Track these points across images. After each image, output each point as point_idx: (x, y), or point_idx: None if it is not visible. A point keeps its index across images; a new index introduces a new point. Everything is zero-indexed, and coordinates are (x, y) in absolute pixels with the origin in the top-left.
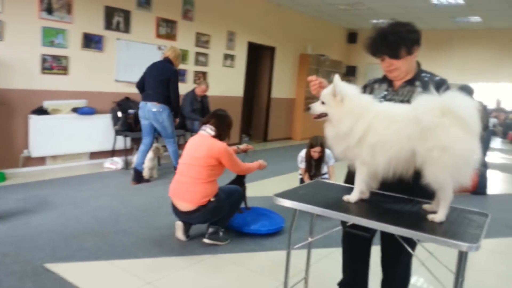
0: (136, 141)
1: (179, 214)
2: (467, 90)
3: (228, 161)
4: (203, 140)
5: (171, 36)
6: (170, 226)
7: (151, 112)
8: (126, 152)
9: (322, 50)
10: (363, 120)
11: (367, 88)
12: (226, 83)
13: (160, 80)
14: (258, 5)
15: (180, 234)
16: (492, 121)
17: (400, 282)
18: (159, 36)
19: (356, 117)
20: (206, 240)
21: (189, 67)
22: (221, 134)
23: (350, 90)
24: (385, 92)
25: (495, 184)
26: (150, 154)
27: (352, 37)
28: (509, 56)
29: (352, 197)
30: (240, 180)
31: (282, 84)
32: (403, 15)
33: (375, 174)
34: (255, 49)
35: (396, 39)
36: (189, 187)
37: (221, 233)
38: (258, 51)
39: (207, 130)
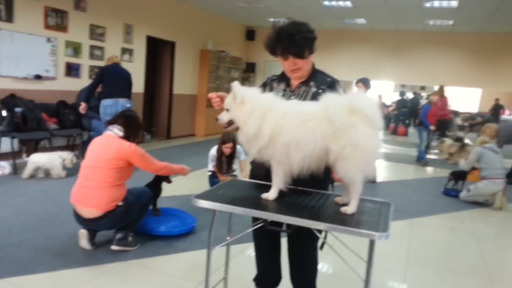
0: (25, 143)
1: (82, 221)
2: (367, 81)
3: (140, 161)
4: (110, 141)
5: (61, 28)
6: (72, 235)
7: (125, 107)
8: (13, 155)
9: (222, 46)
10: (269, 119)
11: (267, 87)
12: None
13: (127, 80)
14: None
15: (84, 242)
16: None
17: (309, 270)
18: (47, 27)
19: (260, 116)
20: (114, 247)
21: (84, 61)
22: (130, 135)
23: (249, 91)
24: (283, 92)
25: (382, 172)
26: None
27: (250, 34)
28: (389, 56)
29: (271, 195)
30: (157, 184)
31: (184, 80)
32: (297, 15)
33: (290, 172)
34: (154, 44)
35: (302, 39)
36: (94, 191)
37: (130, 238)
38: (158, 45)
39: (115, 131)
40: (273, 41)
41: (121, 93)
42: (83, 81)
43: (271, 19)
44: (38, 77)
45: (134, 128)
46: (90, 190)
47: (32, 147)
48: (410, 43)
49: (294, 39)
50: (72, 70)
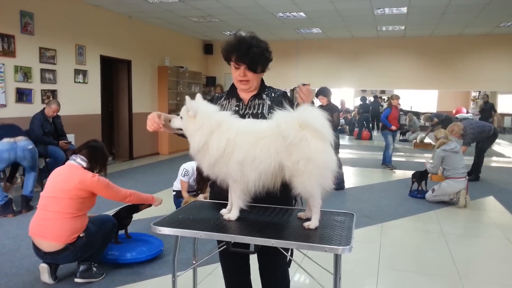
0: None
1: (43, 255)
2: (326, 91)
3: (105, 191)
4: (73, 171)
5: (8, 53)
6: (33, 270)
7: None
8: None
9: (180, 62)
10: (219, 136)
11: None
12: (80, 100)
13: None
14: (108, 17)
15: (46, 277)
16: (341, 121)
17: (281, 286)
18: None
19: (207, 133)
20: (78, 280)
21: (35, 86)
22: (94, 166)
23: (204, 106)
24: (236, 108)
25: (349, 178)
26: None
27: (208, 48)
28: (346, 63)
29: (232, 215)
30: (129, 213)
31: (143, 98)
32: (253, 27)
33: (247, 190)
34: (109, 63)
35: (259, 54)
36: (54, 223)
37: (94, 269)
38: (113, 65)
39: (78, 160)
40: (231, 46)
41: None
42: (36, 106)
43: (228, 32)
44: None
45: (100, 159)
46: (49, 221)
47: None
48: (365, 49)
49: (251, 50)
50: (23, 95)
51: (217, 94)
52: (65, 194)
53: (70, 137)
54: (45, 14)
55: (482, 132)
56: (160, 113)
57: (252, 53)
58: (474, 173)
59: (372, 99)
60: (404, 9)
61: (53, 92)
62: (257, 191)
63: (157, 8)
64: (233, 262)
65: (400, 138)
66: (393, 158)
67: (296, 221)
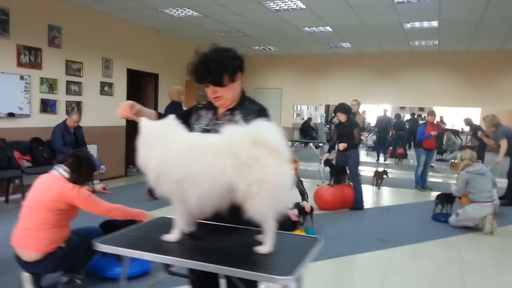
0: None
1: (23, 264)
2: (344, 108)
3: (85, 205)
4: (53, 182)
5: (35, 65)
6: (17, 280)
7: None
8: None
9: None
10: (156, 151)
11: (194, 114)
12: (105, 112)
13: None
14: (135, 31)
15: (28, 287)
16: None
17: None
18: (20, 65)
19: (147, 148)
20: None
21: (60, 97)
22: (77, 178)
23: (148, 124)
24: (209, 121)
25: (371, 197)
26: None
27: None
28: (378, 79)
29: (172, 236)
30: (126, 224)
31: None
32: (280, 42)
33: (188, 211)
34: (136, 76)
35: (218, 67)
36: (33, 233)
37: (78, 281)
38: (140, 78)
39: (60, 171)
40: (192, 68)
41: None
42: (60, 117)
43: (256, 47)
44: (11, 115)
45: (83, 171)
46: (29, 231)
47: (5, 185)
48: (398, 64)
49: (208, 67)
50: (47, 106)
51: (200, 104)
52: (43, 205)
53: (92, 148)
54: (72, 28)
55: None
56: (134, 104)
57: (210, 69)
58: (508, 197)
59: (408, 116)
60: (435, 23)
61: (78, 104)
62: (203, 213)
63: (184, 22)
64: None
65: (437, 157)
66: (429, 179)
67: (250, 245)
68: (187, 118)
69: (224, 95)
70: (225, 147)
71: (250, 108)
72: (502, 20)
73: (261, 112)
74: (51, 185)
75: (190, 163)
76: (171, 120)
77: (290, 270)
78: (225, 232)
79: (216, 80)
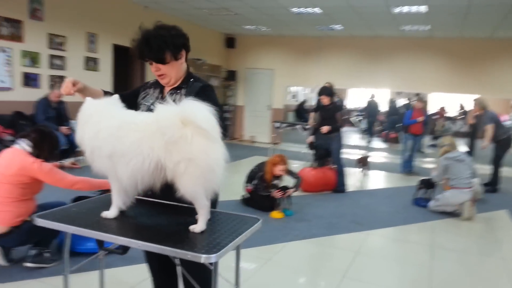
0: None
1: None
2: (327, 90)
3: (48, 179)
4: (15, 156)
5: (16, 37)
6: None
7: None
8: None
9: (198, 54)
10: (88, 128)
11: (142, 93)
12: None
13: None
14: (122, 6)
15: None
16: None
17: None
18: (1, 37)
19: (83, 126)
20: (27, 264)
21: (42, 71)
22: (40, 153)
23: (87, 103)
24: (155, 99)
25: (355, 181)
26: None
27: (230, 42)
28: (370, 63)
29: (110, 213)
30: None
31: None
32: (270, 22)
33: (123, 188)
34: (124, 52)
35: (159, 43)
36: None
37: (46, 255)
38: (127, 54)
39: (22, 145)
40: (134, 45)
41: None
42: (43, 91)
43: (248, 27)
44: None
45: (46, 146)
46: None
47: None
48: (388, 48)
49: (149, 43)
50: (30, 80)
51: (149, 81)
52: (6, 179)
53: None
54: (55, 1)
55: (501, 127)
56: (77, 81)
57: (151, 46)
58: (491, 184)
59: (401, 101)
60: (423, 8)
61: (62, 78)
62: (136, 190)
63: None
64: (153, 262)
65: (431, 143)
66: (421, 165)
67: (185, 223)
68: (135, 96)
69: (168, 73)
70: (154, 125)
71: (194, 86)
72: (490, 7)
73: (203, 89)
74: (13, 159)
75: (119, 139)
76: (111, 99)
77: (218, 249)
78: (166, 210)
79: (157, 57)
